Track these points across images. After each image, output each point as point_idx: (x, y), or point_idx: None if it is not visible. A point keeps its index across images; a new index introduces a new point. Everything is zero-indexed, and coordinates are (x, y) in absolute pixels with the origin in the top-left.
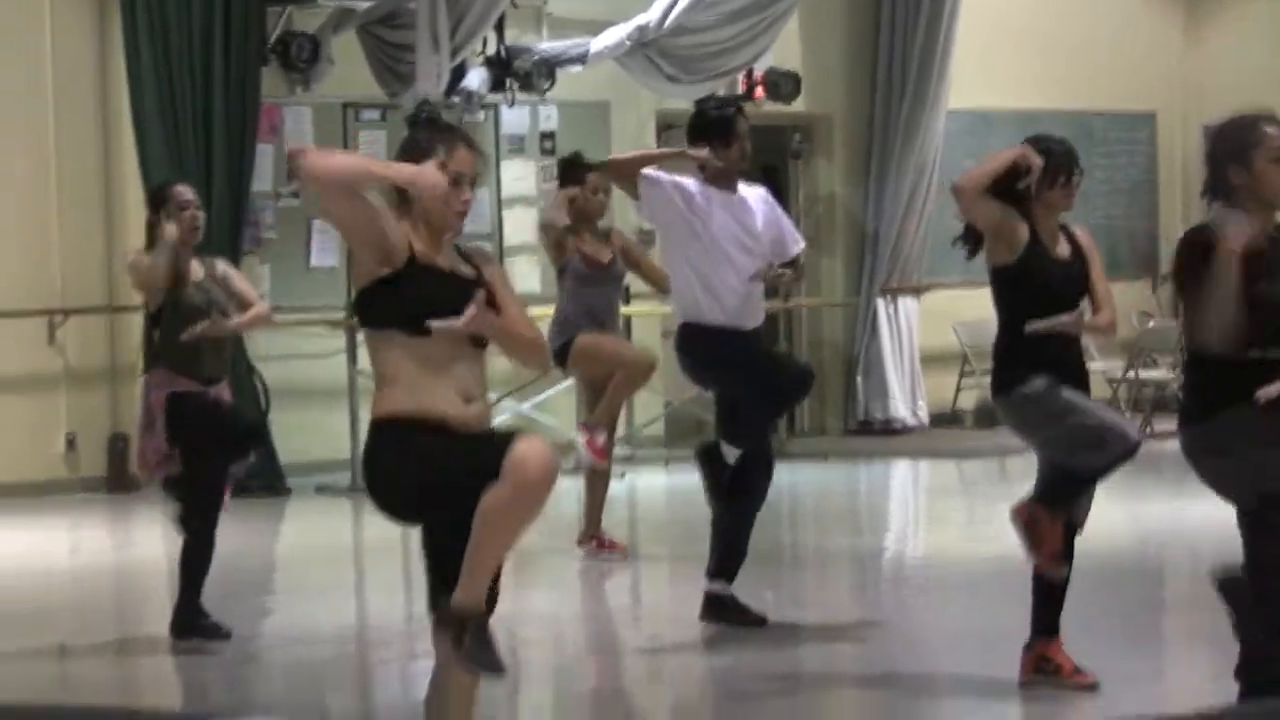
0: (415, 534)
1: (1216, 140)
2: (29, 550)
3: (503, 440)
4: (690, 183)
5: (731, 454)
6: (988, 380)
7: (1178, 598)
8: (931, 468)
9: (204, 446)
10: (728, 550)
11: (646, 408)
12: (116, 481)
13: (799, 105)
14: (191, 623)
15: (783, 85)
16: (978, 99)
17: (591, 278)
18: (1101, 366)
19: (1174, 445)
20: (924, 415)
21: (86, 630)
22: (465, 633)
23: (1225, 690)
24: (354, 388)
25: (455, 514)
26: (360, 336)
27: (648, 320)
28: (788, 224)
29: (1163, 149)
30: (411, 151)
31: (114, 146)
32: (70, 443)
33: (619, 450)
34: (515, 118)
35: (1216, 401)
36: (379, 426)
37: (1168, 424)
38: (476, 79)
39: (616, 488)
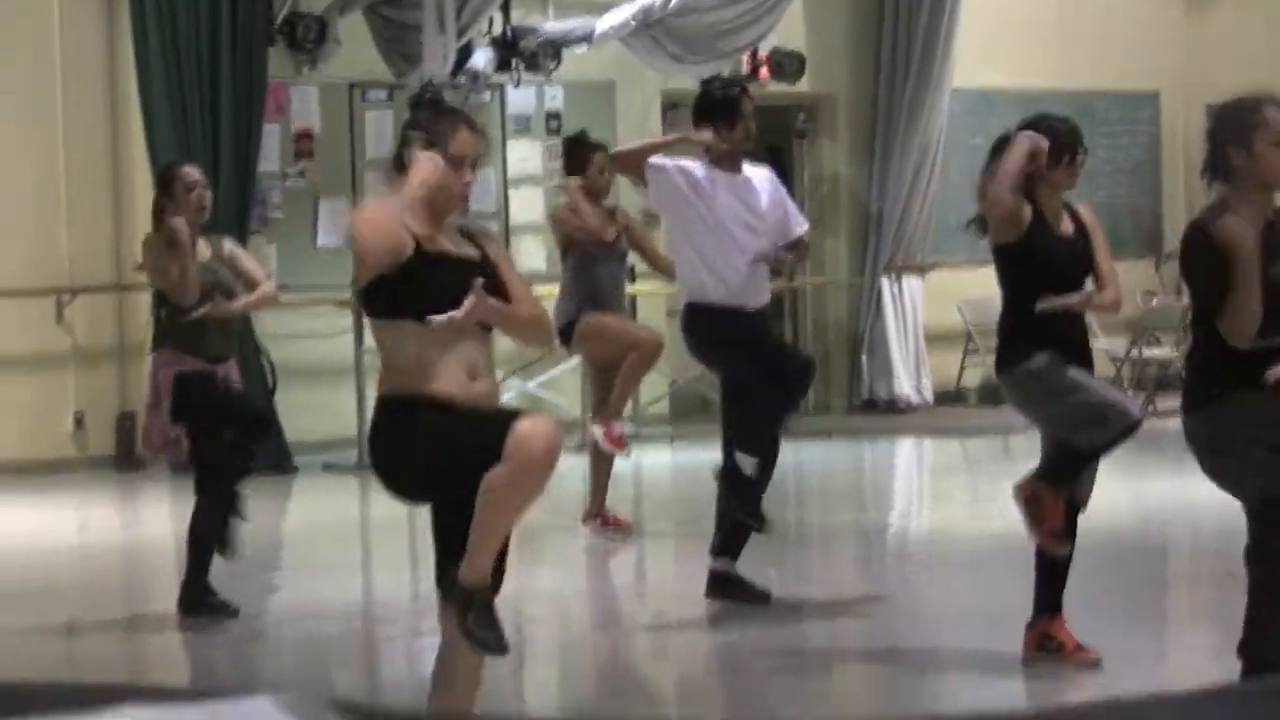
0: (422, 512)
1: (1218, 121)
2: (37, 528)
3: (507, 418)
4: (695, 166)
5: (748, 464)
6: (993, 359)
7: (1179, 575)
8: (936, 446)
9: (210, 426)
10: (733, 527)
11: (652, 386)
12: (124, 460)
13: (803, 85)
14: (199, 600)
15: (787, 65)
16: (982, 79)
17: (596, 255)
18: (1105, 344)
19: (1176, 424)
20: (928, 393)
21: (94, 608)
22: (470, 609)
23: (1227, 668)
24: (360, 366)
25: (461, 491)
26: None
27: (652, 299)
28: (792, 206)
29: (1166, 129)
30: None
31: (122, 128)
32: (78, 421)
33: (624, 428)
34: (521, 98)
35: (1220, 387)
36: (385, 405)
37: (1170, 402)
38: (482, 59)
39: (621, 465)
